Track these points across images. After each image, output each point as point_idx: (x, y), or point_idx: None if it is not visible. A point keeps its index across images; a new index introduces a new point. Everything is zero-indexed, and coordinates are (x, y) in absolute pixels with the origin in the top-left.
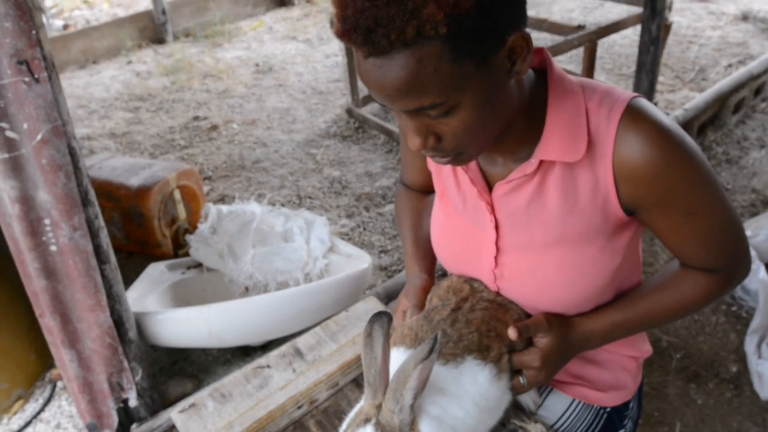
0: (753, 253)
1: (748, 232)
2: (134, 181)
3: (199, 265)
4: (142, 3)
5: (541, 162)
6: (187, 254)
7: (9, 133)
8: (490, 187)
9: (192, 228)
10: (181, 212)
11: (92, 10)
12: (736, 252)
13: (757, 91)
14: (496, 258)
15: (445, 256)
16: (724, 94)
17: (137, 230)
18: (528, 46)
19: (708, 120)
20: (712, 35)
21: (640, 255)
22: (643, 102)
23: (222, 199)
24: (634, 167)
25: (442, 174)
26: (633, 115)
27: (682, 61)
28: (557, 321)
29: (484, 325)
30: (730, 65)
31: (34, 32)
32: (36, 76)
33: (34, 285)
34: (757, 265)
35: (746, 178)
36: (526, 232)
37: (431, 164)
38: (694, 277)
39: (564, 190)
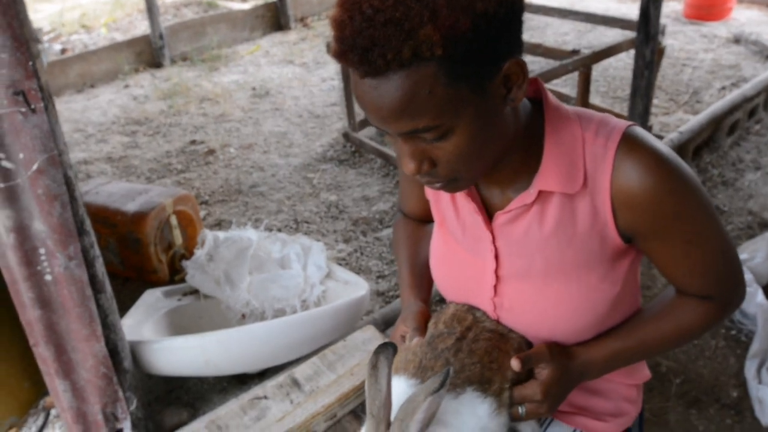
0: (750, 276)
1: (744, 255)
2: (131, 207)
3: (195, 292)
4: (139, 27)
5: (540, 192)
6: (183, 280)
7: (5, 163)
8: (489, 217)
9: (188, 254)
10: (178, 238)
11: (90, 35)
12: (732, 279)
13: (751, 113)
14: (495, 287)
15: (444, 285)
16: (718, 116)
17: (133, 256)
18: (524, 73)
19: (703, 142)
20: (705, 58)
21: (639, 281)
22: (639, 130)
23: (219, 224)
24: (631, 195)
25: (441, 203)
26: (629, 144)
27: (676, 84)
28: (558, 351)
29: (486, 356)
30: (723, 87)
31: (30, 63)
32: (32, 106)
33: (29, 314)
34: (754, 289)
35: (742, 200)
36: (526, 262)
37: (429, 193)
38: (691, 304)
39: (563, 220)
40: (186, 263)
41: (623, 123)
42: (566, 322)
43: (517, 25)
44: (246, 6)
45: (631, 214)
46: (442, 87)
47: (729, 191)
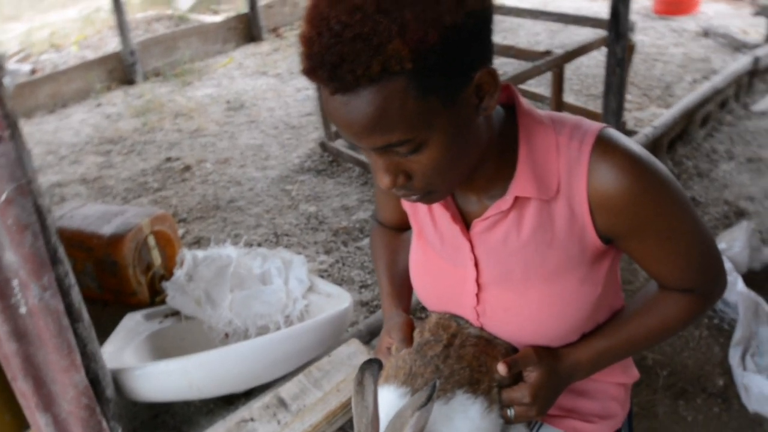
0: (729, 265)
1: (723, 245)
2: (107, 230)
3: (176, 313)
4: (110, 44)
5: (516, 198)
6: (164, 301)
7: None
8: (467, 225)
9: (168, 274)
10: (156, 258)
11: (60, 53)
12: (712, 270)
13: (722, 105)
14: (477, 295)
15: (425, 296)
16: (690, 109)
17: (111, 279)
18: (495, 82)
19: (677, 135)
20: (676, 52)
21: (619, 280)
22: (612, 132)
23: (198, 242)
24: (608, 197)
25: (418, 214)
26: (603, 146)
27: (648, 79)
28: (545, 353)
29: (475, 361)
30: (694, 81)
31: None
32: None
33: (5, 348)
34: (734, 277)
35: (718, 190)
36: (506, 268)
37: (406, 204)
38: (673, 298)
39: (541, 225)
40: (166, 284)
41: (596, 125)
42: (550, 326)
43: (486, 35)
44: (218, 19)
45: (608, 215)
46: (414, 100)
47: (704, 182)
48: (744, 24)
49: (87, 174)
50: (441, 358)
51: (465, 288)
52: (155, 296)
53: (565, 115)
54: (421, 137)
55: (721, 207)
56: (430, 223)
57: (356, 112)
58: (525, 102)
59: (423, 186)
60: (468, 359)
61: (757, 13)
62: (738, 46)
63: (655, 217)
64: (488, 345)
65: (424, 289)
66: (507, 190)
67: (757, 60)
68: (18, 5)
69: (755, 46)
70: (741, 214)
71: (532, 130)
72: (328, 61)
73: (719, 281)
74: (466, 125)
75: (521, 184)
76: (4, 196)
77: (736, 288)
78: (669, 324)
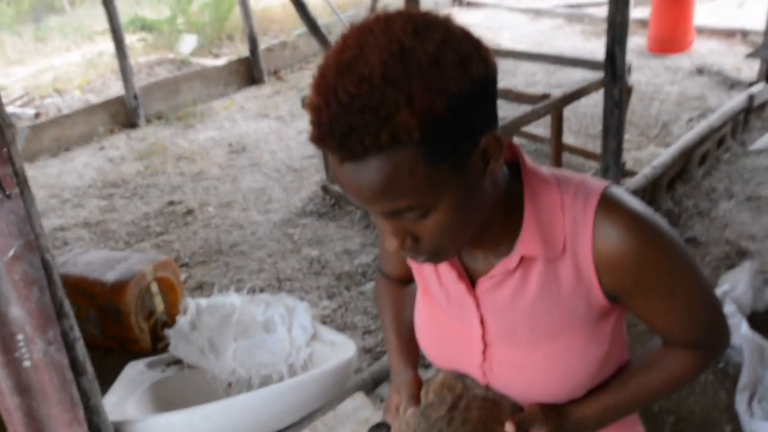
0: (733, 306)
1: (726, 286)
2: (110, 276)
3: (179, 362)
4: (113, 87)
5: (522, 257)
6: (166, 348)
7: None
8: (473, 283)
9: (170, 320)
10: (159, 305)
11: (63, 97)
12: (715, 326)
13: (720, 143)
14: (483, 353)
15: (431, 353)
16: (688, 148)
17: (114, 326)
18: (500, 146)
19: (676, 174)
20: (671, 90)
21: (625, 336)
22: (616, 191)
23: (200, 287)
24: (613, 256)
25: (424, 272)
26: (608, 206)
27: (646, 118)
28: (552, 411)
29: (480, 424)
30: (691, 119)
31: (5, 149)
32: (7, 192)
33: (7, 402)
34: (738, 320)
35: (718, 229)
36: (512, 326)
37: (411, 262)
38: (678, 354)
39: (547, 283)
40: (168, 332)
41: (600, 184)
42: (557, 384)
43: (490, 99)
44: (219, 62)
45: (614, 274)
46: (422, 168)
47: (705, 221)
48: (737, 61)
49: (90, 218)
50: (445, 421)
51: (471, 345)
52: (157, 343)
53: (569, 174)
54: (430, 203)
55: (723, 247)
56: (435, 280)
57: (365, 179)
58: (529, 160)
59: (430, 249)
60: (473, 422)
61: (750, 55)
62: (732, 84)
63: (660, 275)
64: (494, 407)
65: (430, 346)
66: (513, 249)
67: (752, 98)
68: (22, 50)
69: (749, 83)
70: (743, 254)
71: (537, 188)
72: (337, 131)
73: (722, 337)
74: (473, 189)
75: (527, 243)
76: (12, 252)
77: (741, 331)
78: (674, 379)
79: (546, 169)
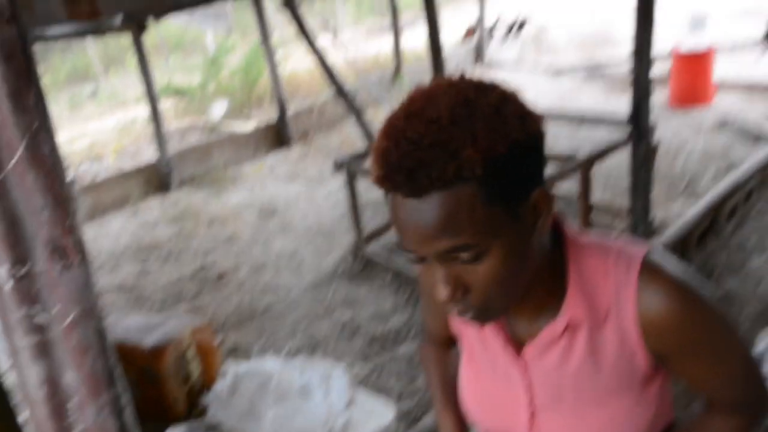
0: None
1: (763, 345)
2: (148, 341)
3: (217, 427)
4: (146, 153)
5: (568, 324)
6: (201, 413)
7: (39, 318)
8: (518, 348)
9: (206, 385)
10: (195, 369)
11: (98, 163)
12: (758, 389)
13: (748, 197)
14: (531, 419)
15: (478, 418)
16: (717, 203)
17: (151, 391)
18: (549, 202)
19: (706, 229)
20: (696, 145)
21: (671, 398)
22: (656, 257)
23: (234, 350)
24: (658, 321)
25: (470, 337)
26: (650, 271)
27: (671, 174)
28: None
29: None
30: (717, 173)
31: (68, 221)
32: (69, 261)
33: None
34: None
35: (752, 284)
36: (559, 393)
37: (457, 327)
38: (721, 417)
39: (592, 349)
40: (207, 398)
41: (641, 250)
42: None
43: (541, 157)
44: (249, 127)
45: (659, 338)
46: (481, 206)
47: (738, 277)
48: (759, 114)
49: (124, 282)
50: None
51: (518, 411)
52: (192, 408)
53: (609, 240)
54: (485, 245)
55: (757, 304)
56: (480, 346)
57: (427, 214)
58: (570, 228)
59: (480, 301)
60: None
61: None
62: (756, 137)
63: (702, 337)
64: None
65: (477, 412)
66: (558, 314)
67: None
68: (59, 115)
69: None
70: None
71: (579, 254)
72: (405, 167)
73: (764, 401)
74: (524, 241)
75: (572, 308)
76: (70, 319)
77: None
78: None
79: (586, 235)
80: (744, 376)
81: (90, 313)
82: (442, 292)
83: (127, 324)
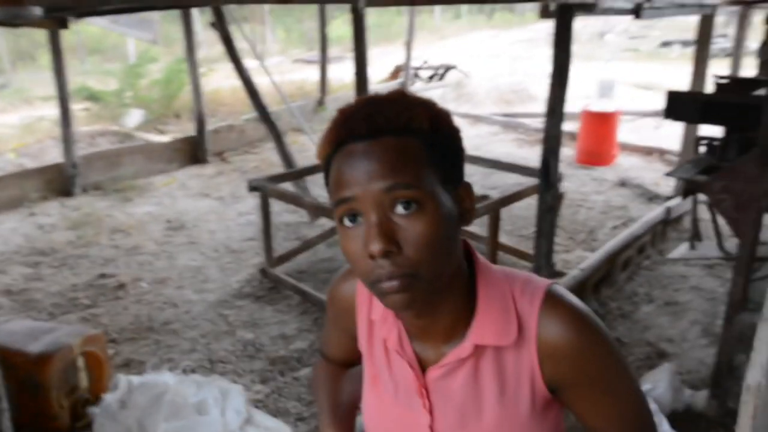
0: (654, 406)
1: (647, 386)
2: (33, 348)
3: None
4: (50, 154)
5: (475, 347)
6: (86, 427)
7: None
8: (423, 371)
9: (94, 397)
10: (83, 381)
11: None
12: (645, 426)
13: (641, 250)
14: None
15: None
16: (613, 253)
17: (32, 401)
18: (472, 198)
19: (601, 278)
20: (597, 199)
21: (563, 430)
22: (559, 289)
23: (127, 364)
24: (555, 348)
25: (374, 359)
26: (551, 301)
27: (574, 223)
28: None
29: None
30: (615, 227)
31: None
32: None
33: None
34: (659, 419)
35: (640, 331)
36: (460, 416)
37: (363, 346)
38: None
39: (497, 373)
40: (94, 410)
41: (545, 282)
42: None
43: (463, 161)
44: (165, 139)
45: (555, 365)
46: (425, 160)
47: (627, 323)
48: (655, 176)
49: (12, 285)
50: None
51: None
52: (77, 421)
53: (516, 270)
54: (423, 195)
55: (644, 348)
56: (386, 368)
57: (379, 153)
58: (481, 256)
59: (410, 261)
60: None
61: (668, 174)
62: (651, 197)
63: (597, 368)
64: None
65: None
66: (465, 337)
67: (669, 210)
68: None
69: (667, 197)
70: (662, 355)
71: (489, 280)
72: (364, 112)
73: None
74: (453, 219)
75: (481, 331)
76: None
77: (662, 429)
78: None
79: (495, 266)
80: (635, 414)
81: None
82: (376, 244)
83: (12, 328)
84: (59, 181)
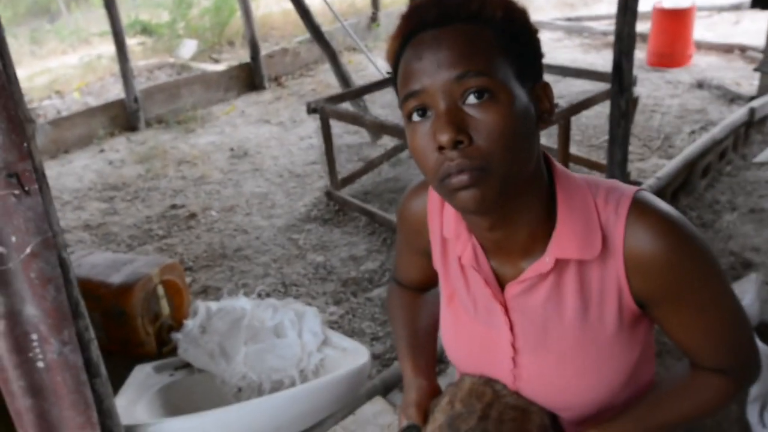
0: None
1: None
2: (115, 279)
3: (187, 365)
4: (112, 91)
5: (556, 261)
6: (171, 351)
7: None
8: (502, 288)
9: (176, 324)
10: (165, 308)
11: (62, 99)
12: (747, 351)
13: (722, 156)
14: (514, 359)
15: (458, 359)
16: (691, 160)
17: (119, 329)
18: (550, 98)
19: (679, 186)
20: (672, 103)
21: (654, 348)
22: (647, 195)
23: (204, 291)
24: (644, 260)
25: (450, 276)
26: (640, 209)
27: (648, 130)
28: None
29: None
30: (693, 132)
31: (25, 144)
32: (26, 188)
33: (18, 404)
34: None
35: (723, 241)
36: (543, 333)
37: (438, 264)
38: (707, 379)
39: (580, 289)
40: (177, 336)
41: (631, 188)
42: (587, 392)
43: (541, 59)
44: (220, 67)
45: (644, 279)
46: (498, 50)
47: (709, 233)
48: (736, 76)
49: (90, 220)
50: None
51: (500, 351)
52: (162, 347)
53: (599, 179)
54: (496, 85)
55: (728, 258)
56: (463, 285)
57: (449, 40)
58: (559, 164)
59: (481, 153)
60: None
61: (756, 69)
62: (732, 98)
63: (690, 284)
64: (524, 416)
65: (458, 353)
66: (545, 252)
67: (752, 111)
68: (18, 51)
69: (749, 97)
70: (747, 266)
71: (569, 190)
72: (434, 1)
73: (752, 362)
74: (528, 117)
75: (562, 244)
76: (29, 249)
77: None
78: (702, 407)
79: (576, 174)
80: (733, 336)
81: (50, 243)
82: (445, 133)
83: (94, 261)
84: (123, 117)
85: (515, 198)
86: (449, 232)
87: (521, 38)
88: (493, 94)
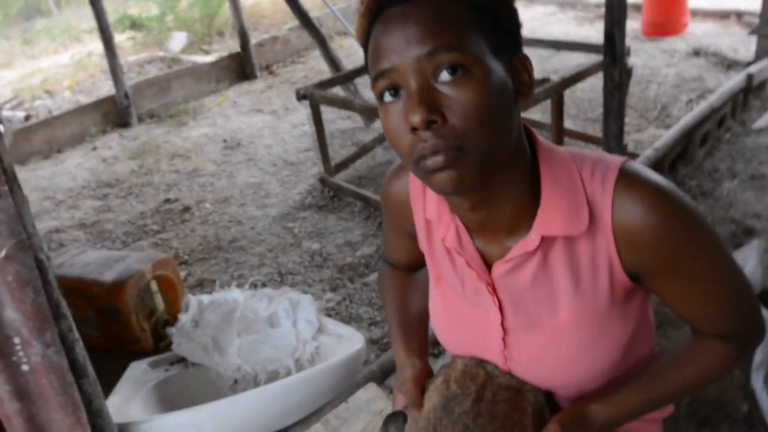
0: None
1: None
2: (108, 276)
3: (182, 360)
4: (103, 88)
5: (543, 238)
6: (168, 347)
7: None
8: (489, 267)
9: (172, 318)
10: (159, 303)
11: (54, 99)
12: (748, 314)
13: (720, 123)
14: (504, 339)
15: (449, 342)
16: (689, 129)
17: (114, 327)
18: (529, 72)
19: (677, 156)
20: (668, 72)
21: (651, 319)
22: (635, 165)
23: (200, 284)
24: (634, 233)
25: (436, 257)
26: (627, 180)
27: (644, 101)
28: (572, 422)
29: (508, 421)
30: (690, 100)
31: None
32: None
33: (6, 408)
34: None
35: (723, 209)
36: (533, 312)
37: (423, 245)
38: (709, 345)
39: (569, 265)
40: (171, 331)
41: (618, 159)
42: (580, 370)
43: (519, 31)
44: (210, 59)
45: (635, 251)
46: (470, 23)
47: (709, 201)
48: (733, 42)
49: (85, 219)
50: (471, 415)
51: (490, 332)
52: (159, 342)
53: (585, 151)
54: (470, 60)
55: (729, 226)
56: (449, 266)
57: (418, 16)
58: (542, 138)
59: (456, 131)
60: (501, 419)
61: (752, 32)
62: (729, 64)
63: (684, 254)
64: (518, 396)
65: (447, 335)
66: (530, 229)
67: (750, 77)
68: (9, 52)
69: (747, 63)
70: (749, 233)
71: (553, 165)
72: None
73: (756, 327)
74: (505, 92)
75: (547, 221)
76: (3, 252)
77: None
78: (705, 374)
79: (560, 147)
80: (733, 301)
81: (25, 245)
82: (417, 113)
83: (86, 259)
84: (115, 113)
85: (496, 176)
86: (431, 214)
87: (495, 9)
88: (466, 69)
